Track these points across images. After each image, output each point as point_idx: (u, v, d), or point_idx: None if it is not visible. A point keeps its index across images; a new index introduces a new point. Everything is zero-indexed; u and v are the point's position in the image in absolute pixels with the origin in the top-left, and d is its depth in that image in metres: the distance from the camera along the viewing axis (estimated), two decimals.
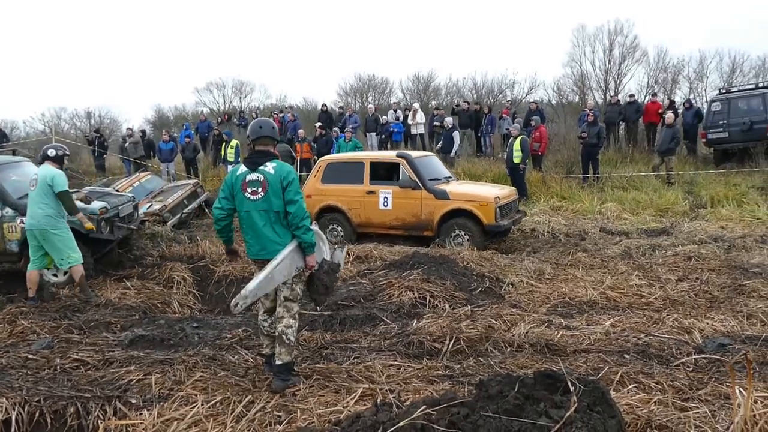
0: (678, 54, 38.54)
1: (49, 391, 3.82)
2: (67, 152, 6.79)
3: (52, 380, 4.14)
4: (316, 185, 9.99)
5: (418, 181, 9.19)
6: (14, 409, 3.52)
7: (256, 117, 15.06)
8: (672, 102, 17.23)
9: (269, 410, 3.61)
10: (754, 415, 2.61)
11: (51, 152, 6.53)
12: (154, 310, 6.48)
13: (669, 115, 13.52)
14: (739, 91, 15.20)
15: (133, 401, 3.74)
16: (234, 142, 15.77)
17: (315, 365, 4.42)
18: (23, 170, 7.83)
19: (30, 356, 4.69)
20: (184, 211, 11.98)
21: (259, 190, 3.99)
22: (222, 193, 4.16)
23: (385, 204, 9.42)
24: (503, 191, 9.45)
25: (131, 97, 59.96)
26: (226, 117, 22.81)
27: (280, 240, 4.02)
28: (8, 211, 7.31)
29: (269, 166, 4.02)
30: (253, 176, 4.01)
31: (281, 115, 20.30)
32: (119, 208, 8.15)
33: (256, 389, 3.99)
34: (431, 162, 10.17)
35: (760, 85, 15.64)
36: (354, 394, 3.76)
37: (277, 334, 4.07)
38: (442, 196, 9.10)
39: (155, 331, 5.40)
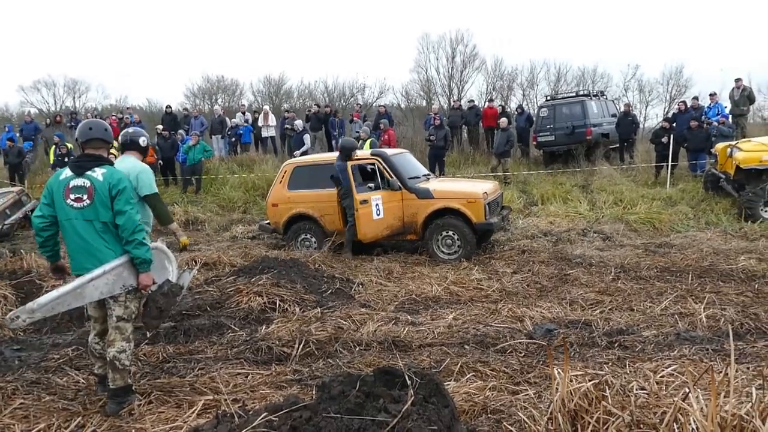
0: (512, 63, 41.72)
1: None
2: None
3: None
4: (282, 192, 9.09)
5: (397, 180, 8.40)
6: None
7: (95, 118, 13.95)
8: (504, 108, 18.57)
9: None
10: (570, 392, 2.88)
11: (143, 140, 4.76)
12: None
13: (503, 120, 14.59)
14: (563, 98, 16.77)
15: None
16: (53, 147, 14.52)
17: (155, 380, 4.18)
18: None
19: None
20: (5, 222, 10.80)
21: (85, 197, 3.64)
22: (43, 200, 3.74)
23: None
24: (489, 186, 8.78)
25: None
26: (58, 118, 20.88)
27: (111, 252, 3.68)
28: None
29: (98, 172, 3.68)
30: (79, 182, 3.66)
31: (120, 116, 19.03)
32: None
33: (87, 412, 3.69)
34: (407, 159, 9.40)
35: (580, 93, 17.40)
36: (196, 407, 3.60)
37: (109, 359, 3.72)
38: (425, 195, 8.38)
39: None
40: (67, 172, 3.75)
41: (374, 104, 27.55)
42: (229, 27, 55.04)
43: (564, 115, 15.45)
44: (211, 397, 3.77)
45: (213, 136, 17.91)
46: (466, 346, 4.76)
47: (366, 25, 53.94)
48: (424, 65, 28.31)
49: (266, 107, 19.26)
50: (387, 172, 8.43)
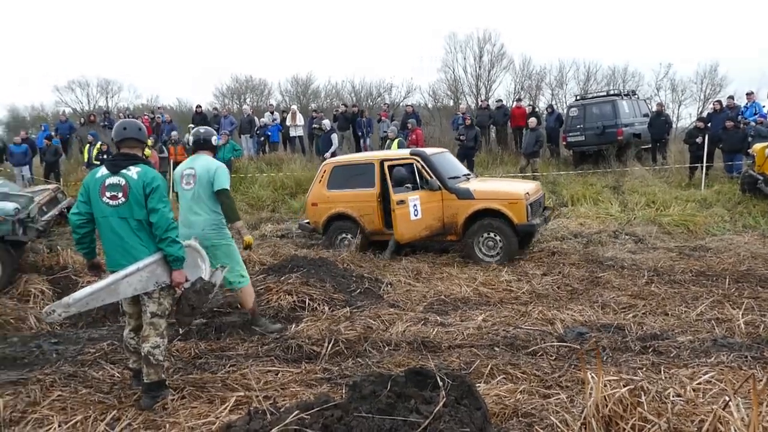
0: (540, 62, 41.37)
1: None
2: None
3: None
4: (321, 191, 8.99)
5: (437, 180, 8.19)
6: None
7: (127, 118, 14.25)
8: (534, 108, 18.41)
9: (136, 426, 3.42)
10: (605, 398, 2.84)
11: (214, 139, 5.17)
12: (6, 327, 5.90)
13: (532, 120, 14.44)
14: (593, 97, 16.54)
15: None
16: (99, 144, 14.82)
17: (188, 376, 4.24)
18: None
19: None
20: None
21: (120, 195, 3.70)
22: (80, 197, 3.83)
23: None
24: (530, 186, 8.54)
25: None
26: (92, 117, 21.33)
27: (145, 249, 3.74)
28: None
29: (133, 171, 3.74)
30: (114, 180, 3.73)
31: (152, 115, 19.36)
32: (29, 208, 7.51)
33: (122, 405, 3.76)
34: (446, 158, 9.14)
35: (611, 92, 17.14)
36: (228, 403, 3.65)
37: (143, 354, 3.80)
38: (466, 195, 8.18)
39: (7, 350, 4.96)
40: (103, 170, 3.82)
41: (401, 104, 27.57)
42: (257, 27, 55.67)
43: (594, 115, 15.23)
44: (242, 394, 3.81)
45: (242, 136, 18.10)
46: (496, 348, 4.72)
47: (393, 24, 54.01)
48: (451, 64, 28.27)
49: (294, 107, 19.40)
50: (426, 171, 8.25)
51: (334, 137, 15.73)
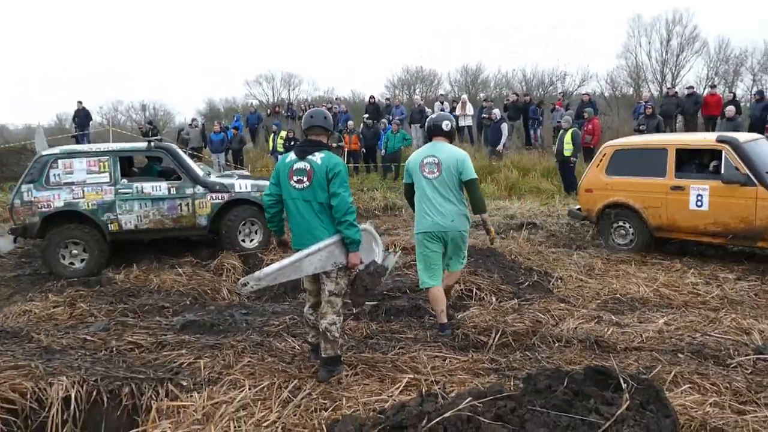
0: (741, 45, 36.86)
1: (105, 372, 3.95)
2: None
3: (108, 361, 4.29)
4: (599, 177, 8.19)
5: (750, 174, 6.91)
6: (73, 388, 3.66)
7: (305, 109, 15.25)
8: (734, 95, 16.52)
9: (315, 397, 3.65)
10: None
11: (446, 125, 5.06)
12: (204, 297, 6.63)
13: (729, 109, 13.00)
14: None
15: (184, 384, 3.84)
16: (283, 133, 16.00)
17: (360, 354, 4.44)
18: None
19: (88, 338, 4.88)
20: None
21: (305, 179, 3.95)
22: (272, 180, 4.17)
23: (699, 204, 7.23)
24: None
25: (184, 90, 61.49)
26: (277, 108, 23.14)
27: (325, 231, 3.97)
28: (199, 189, 8.11)
29: (317, 156, 3.98)
30: (301, 165, 3.99)
31: (329, 106, 20.47)
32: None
33: (302, 376, 4.03)
34: (763, 148, 7.57)
35: None
36: (399, 384, 3.77)
37: (321, 330, 4.05)
38: None
39: (205, 317, 5.53)
40: (291, 155, 4.11)
41: (575, 92, 26.33)
42: (428, 18, 56.28)
43: None
44: (411, 376, 3.91)
45: (412, 125, 18.46)
46: (680, 355, 4.34)
47: (569, 9, 51.58)
48: (633, 50, 26.41)
49: (464, 96, 19.38)
50: (737, 162, 7.01)
51: (504, 127, 15.47)
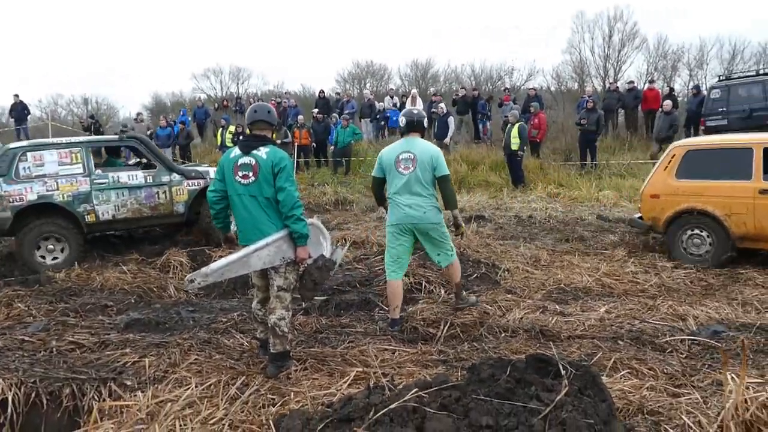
0: (678, 41, 38.41)
1: (45, 373, 3.82)
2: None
3: (48, 362, 4.14)
4: (667, 181, 7.21)
5: None
6: (11, 390, 3.53)
7: (253, 103, 15.07)
8: (671, 90, 17.15)
9: (263, 393, 3.63)
10: (745, 401, 2.62)
11: (426, 121, 5.11)
12: (150, 295, 6.48)
13: (666, 103, 13.51)
14: (739, 78, 15.12)
15: (128, 383, 3.75)
16: (231, 128, 15.76)
17: (309, 349, 4.43)
18: None
19: (26, 338, 4.70)
20: None
21: (250, 174, 3.91)
22: (216, 176, 4.12)
23: None
24: None
25: (128, 84, 59.67)
26: (225, 103, 22.74)
27: (273, 225, 3.94)
28: (175, 177, 8.15)
29: (262, 151, 3.94)
30: (246, 160, 3.95)
31: (279, 100, 20.26)
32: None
33: (251, 372, 4.00)
34: None
35: (761, 72, 15.58)
36: (348, 377, 3.78)
37: (270, 325, 4.02)
38: None
39: (151, 315, 5.42)
40: (236, 151, 4.06)
41: (522, 87, 26.83)
42: (377, 12, 56.26)
43: (740, 98, 13.88)
44: (361, 369, 3.93)
45: (362, 120, 18.47)
46: (620, 342, 4.50)
47: (515, 5, 52.42)
48: (577, 45, 27.09)
49: (414, 91, 19.48)
50: None
51: (451, 120, 15.63)
